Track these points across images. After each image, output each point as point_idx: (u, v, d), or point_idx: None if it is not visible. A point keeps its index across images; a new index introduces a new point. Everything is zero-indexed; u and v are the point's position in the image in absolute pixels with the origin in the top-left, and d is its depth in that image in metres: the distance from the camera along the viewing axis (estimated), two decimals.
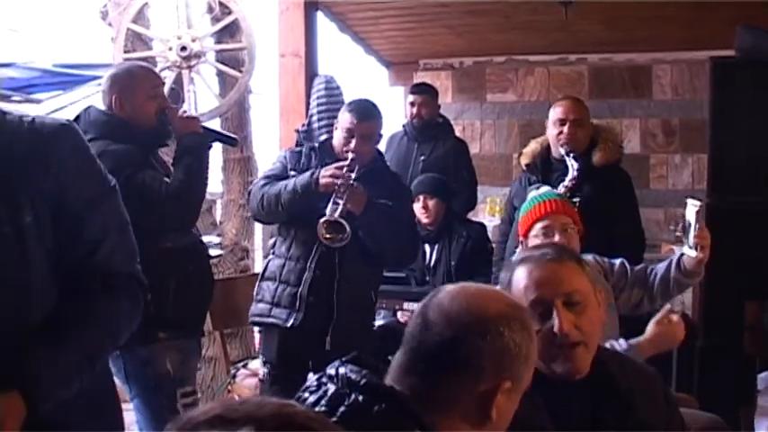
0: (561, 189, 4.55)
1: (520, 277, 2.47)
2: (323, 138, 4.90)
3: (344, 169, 4.32)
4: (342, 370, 1.86)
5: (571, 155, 4.77)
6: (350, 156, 4.41)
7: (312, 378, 1.94)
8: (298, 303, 4.49)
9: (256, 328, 4.91)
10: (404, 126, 7.17)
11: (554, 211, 3.80)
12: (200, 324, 4.17)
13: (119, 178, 3.66)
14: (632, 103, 8.78)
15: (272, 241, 4.79)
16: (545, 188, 4.06)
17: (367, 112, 4.56)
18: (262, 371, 4.69)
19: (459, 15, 7.67)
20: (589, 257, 3.96)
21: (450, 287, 1.98)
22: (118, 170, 3.61)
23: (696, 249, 3.72)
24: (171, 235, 3.91)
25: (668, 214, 8.30)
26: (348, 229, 4.22)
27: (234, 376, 5.63)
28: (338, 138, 4.57)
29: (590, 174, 4.78)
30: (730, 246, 5.00)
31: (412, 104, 7.04)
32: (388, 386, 1.82)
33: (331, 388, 1.84)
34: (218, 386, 6.38)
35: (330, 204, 4.27)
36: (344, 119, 4.54)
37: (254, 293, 4.71)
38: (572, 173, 4.69)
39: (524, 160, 5.15)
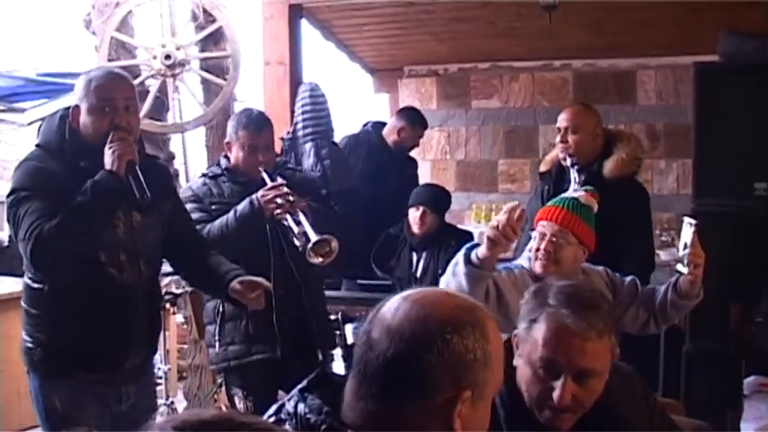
0: None
1: (545, 327, 2.41)
2: (224, 163, 4.62)
3: (279, 187, 4.30)
4: (300, 407, 1.78)
5: (575, 167, 4.65)
6: (261, 170, 4.40)
7: (270, 411, 1.85)
8: (277, 330, 4.43)
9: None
10: (367, 132, 7.14)
11: (554, 219, 3.79)
12: (113, 372, 3.70)
13: (13, 198, 3.43)
14: (617, 108, 8.79)
15: None
16: (581, 193, 4.01)
17: (262, 123, 4.55)
18: (243, 404, 4.56)
19: (444, 22, 7.68)
20: (600, 269, 3.99)
21: (395, 297, 1.84)
22: (16, 189, 3.46)
23: (689, 267, 3.71)
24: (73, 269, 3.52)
25: (654, 219, 8.30)
26: (334, 240, 4.21)
27: (220, 385, 5.60)
28: (241, 157, 4.49)
29: (599, 186, 4.38)
30: (716, 250, 5.00)
31: (418, 137, 7.12)
32: (350, 427, 1.73)
33: (290, 429, 1.77)
34: (205, 395, 6.36)
35: (295, 227, 4.24)
36: (243, 136, 4.46)
37: (215, 339, 4.51)
38: (572, 185, 4.53)
39: (542, 168, 5.10)
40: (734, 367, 5.00)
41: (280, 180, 4.36)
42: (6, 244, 8.23)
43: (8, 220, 3.51)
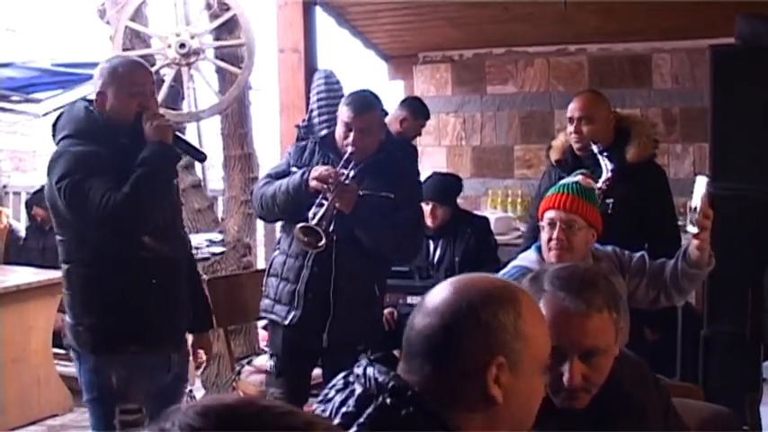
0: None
1: (544, 312, 2.32)
2: (324, 132, 4.84)
3: (338, 168, 4.30)
4: (369, 370, 1.86)
5: (604, 154, 4.63)
6: (349, 150, 4.38)
7: (339, 377, 1.94)
8: (296, 301, 4.52)
9: (261, 322, 4.94)
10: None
11: (562, 206, 3.76)
12: (164, 341, 3.98)
13: (68, 182, 3.58)
14: (632, 92, 8.73)
15: (278, 236, 4.84)
16: (579, 177, 3.98)
17: (364, 105, 4.49)
18: (269, 363, 4.78)
19: (458, 7, 7.66)
20: (608, 249, 3.97)
21: (441, 283, 1.96)
22: (69, 174, 3.62)
23: (697, 228, 3.70)
24: (128, 244, 3.78)
25: None
26: (323, 237, 4.20)
27: (239, 373, 5.62)
28: (338, 131, 4.53)
29: (623, 171, 4.62)
30: (733, 233, 4.99)
31: (420, 127, 7.10)
32: (415, 390, 1.81)
33: (358, 388, 1.84)
34: (223, 383, 6.39)
35: (314, 207, 4.26)
36: (342, 112, 4.48)
37: (263, 288, 4.75)
38: (606, 174, 4.53)
39: (554, 155, 5.00)
40: (752, 351, 4.99)
41: (341, 169, 4.33)
42: (24, 236, 8.28)
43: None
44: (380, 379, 1.82)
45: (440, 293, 1.90)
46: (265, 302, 4.69)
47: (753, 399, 4.39)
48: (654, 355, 3.71)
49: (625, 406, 2.55)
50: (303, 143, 4.77)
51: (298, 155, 4.63)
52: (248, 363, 5.75)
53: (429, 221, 5.96)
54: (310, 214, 4.25)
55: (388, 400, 1.78)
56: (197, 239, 6.15)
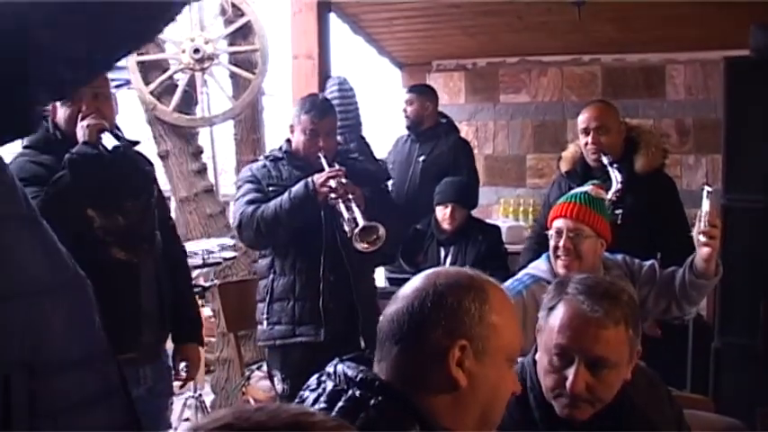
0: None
1: (561, 313, 2.43)
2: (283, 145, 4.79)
3: (336, 172, 4.34)
4: (340, 367, 1.90)
5: (614, 165, 4.62)
6: (321, 155, 4.46)
7: (313, 378, 1.98)
8: (323, 315, 4.49)
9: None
10: (407, 128, 7.13)
11: (570, 215, 3.77)
12: (125, 350, 3.37)
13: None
14: (645, 103, 8.75)
15: (264, 262, 4.68)
16: (589, 187, 3.97)
17: (325, 109, 4.64)
18: (281, 386, 4.66)
19: (472, 16, 7.66)
20: (618, 258, 3.97)
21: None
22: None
23: (704, 238, 3.69)
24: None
25: None
26: (381, 227, 4.24)
27: (248, 378, 5.62)
28: (301, 141, 4.59)
29: (633, 182, 4.61)
30: (746, 245, 4.98)
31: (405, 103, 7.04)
32: (383, 380, 1.84)
33: (329, 384, 1.88)
34: (232, 388, 6.38)
35: (345, 213, 4.28)
36: (304, 120, 4.56)
37: (263, 316, 4.62)
38: (615, 185, 4.52)
39: (564, 167, 5.01)
40: (764, 363, 4.98)
41: (338, 166, 4.42)
42: None
43: None
44: (350, 373, 1.86)
45: (411, 283, 1.95)
46: (279, 329, 4.58)
47: (764, 412, 4.37)
48: (664, 367, 3.70)
49: (636, 422, 2.54)
50: (260, 164, 4.72)
51: (266, 174, 4.60)
52: (258, 368, 5.75)
53: (447, 224, 5.93)
54: (350, 221, 4.27)
55: (358, 392, 1.82)
56: (208, 244, 6.15)
